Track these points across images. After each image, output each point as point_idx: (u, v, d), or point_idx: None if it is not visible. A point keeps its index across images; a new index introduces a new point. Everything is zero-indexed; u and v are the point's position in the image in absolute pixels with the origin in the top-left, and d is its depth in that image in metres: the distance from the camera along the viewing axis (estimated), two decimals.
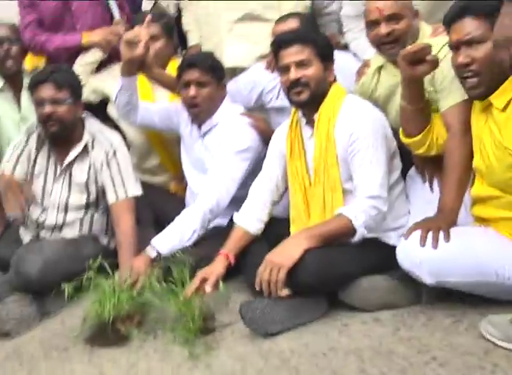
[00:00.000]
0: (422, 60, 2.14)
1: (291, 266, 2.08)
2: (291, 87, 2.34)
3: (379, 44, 2.39)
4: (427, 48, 2.14)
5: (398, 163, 2.39)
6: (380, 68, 2.52)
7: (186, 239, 2.51)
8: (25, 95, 3.16)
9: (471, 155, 2.16)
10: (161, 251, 2.47)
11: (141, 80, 3.04)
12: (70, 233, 2.73)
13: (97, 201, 2.76)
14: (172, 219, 2.58)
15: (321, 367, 1.91)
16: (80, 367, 2.13)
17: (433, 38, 2.37)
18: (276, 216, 2.58)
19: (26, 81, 3.12)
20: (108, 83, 3.16)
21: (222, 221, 2.72)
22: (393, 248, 2.18)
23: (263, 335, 2.12)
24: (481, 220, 2.11)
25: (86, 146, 2.72)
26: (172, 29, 3.21)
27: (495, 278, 1.97)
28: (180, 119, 2.93)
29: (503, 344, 1.86)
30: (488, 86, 1.99)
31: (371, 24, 2.39)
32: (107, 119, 3.19)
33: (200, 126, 2.81)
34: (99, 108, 3.23)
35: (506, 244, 2.00)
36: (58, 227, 2.72)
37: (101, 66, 3.29)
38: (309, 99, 2.33)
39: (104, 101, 3.28)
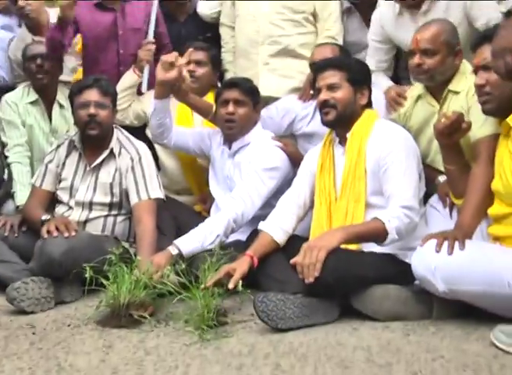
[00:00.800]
0: (457, 129, 2.33)
1: (330, 250, 2.15)
2: (321, 108, 2.52)
3: (412, 72, 2.57)
4: (459, 118, 2.34)
5: (423, 186, 2.49)
6: (418, 98, 2.69)
7: (208, 242, 2.58)
8: (56, 109, 3.38)
9: (492, 182, 2.26)
10: (183, 251, 2.54)
11: (181, 105, 3.23)
12: (94, 230, 2.81)
13: (121, 204, 2.87)
14: None
15: (329, 356, 1.93)
16: (90, 340, 2.16)
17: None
18: (297, 235, 2.65)
19: (59, 96, 3.37)
20: (148, 105, 3.35)
21: (242, 237, 2.79)
22: (409, 265, 2.24)
23: (273, 329, 2.14)
24: (497, 239, 2.17)
25: (112, 151, 2.87)
26: (218, 61, 3.43)
27: (507, 289, 1.99)
28: (212, 141, 3.09)
29: None
30: (505, 107, 2.14)
31: (410, 52, 2.62)
32: (145, 141, 3.36)
33: (231, 146, 2.95)
34: (138, 130, 3.40)
35: None
36: (82, 223, 2.82)
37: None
38: (336, 119, 2.49)
39: (145, 124, 3.46)
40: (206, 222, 2.69)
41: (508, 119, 2.14)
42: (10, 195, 3.14)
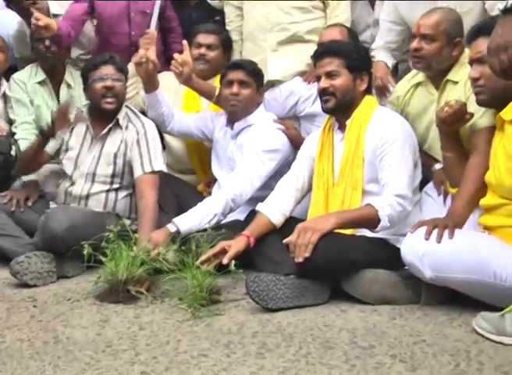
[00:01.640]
0: (459, 118, 2.36)
1: (324, 233, 2.21)
2: (321, 95, 2.56)
3: (411, 57, 2.61)
4: (462, 108, 2.37)
5: (419, 174, 2.53)
6: (417, 85, 2.71)
7: (206, 221, 2.65)
8: (64, 88, 3.45)
9: None
10: (181, 228, 2.61)
11: (188, 90, 3.28)
12: (96, 206, 2.89)
13: (122, 177, 2.93)
14: None
15: (315, 337, 1.99)
16: (88, 315, 2.24)
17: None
18: (294, 217, 2.71)
19: (67, 76, 3.43)
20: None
21: (240, 217, 2.85)
22: (400, 250, 2.29)
23: (264, 309, 2.21)
24: (487, 228, 2.21)
25: (118, 122, 2.93)
26: (229, 44, 3.45)
27: (492, 278, 2.04)
28: (215, 123, 3.14)
29: (492, 336, 1.92)
30: (499, 99, 2.17)
31: (412, 36, 2.64)
32: None
33: (233, 126, 3.00)
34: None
35: (506, 248, 2.08)
36: (84, 198, 2.89)
37: None
38: (335, 107, 2.52)
39: None
40: (205, 201, 2.76)
41: (501, 113, 2.16)
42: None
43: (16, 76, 3.44)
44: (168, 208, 3.03)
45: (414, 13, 2.92)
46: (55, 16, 3.64)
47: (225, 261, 2.36)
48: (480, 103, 2.28)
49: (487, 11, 2.87)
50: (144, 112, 3.23)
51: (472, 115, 2.38)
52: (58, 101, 3.43)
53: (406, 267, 2.30)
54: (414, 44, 2.59)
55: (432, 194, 2.64)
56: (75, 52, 3.68)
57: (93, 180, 2.91)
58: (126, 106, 3.04)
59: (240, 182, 2.77)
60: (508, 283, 2.04)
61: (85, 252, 2.42)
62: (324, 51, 2.57)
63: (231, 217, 2.83)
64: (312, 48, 3.17)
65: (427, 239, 2.12)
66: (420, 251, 2.12)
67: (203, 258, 2.36)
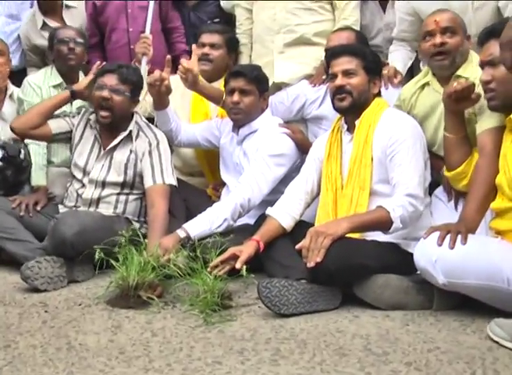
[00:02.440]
0: (466, 97, 2.35)
1: (336, 238, 2.21)
2: (336, 93, 2.54)
3: (431, 54, 2.59)
4: (470, 87, 2.37)
5: (428, 175, 2.51)
6: (424, 85, 2.70)
7: (216, 226, 2.65)
8: None
9: (496, 176, 2.28)
10: (191, 234, 2.61)
11: (196, 98, 3.28)
12: (106, 210, 2.89)
13: (133, 184, 2.93)
14: None
15: (328, 343, 1.99)
16: (100, 320, 2.24)
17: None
18: (304, 220, 2.70)
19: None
20: None
21: (250, 221, 2.85)
22: (411, 255, 2.28)
23: (276, 314, 2.21)
24: (499, 233, 2.20)
25: (130, 134, 2.93)
26: (234, 44, 3.45)
27: (506, 284, 2.04)
28: (222, 129, 3.14)
29: (507, 343, 1.91)
30: (510, 104, 2.16)
31: (427, 35, 2.62)
32: None
33: (238, 131, 2.99)
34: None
35: None
36: (95, 202, 2.90)
37: None
38: (350, 106, 2.51)
39: None
40: (214, 206, 2.75)
41: None
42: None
43: (30, 79, 3.43)
44: (177, 213, 3.03)
45: (426, 5, 2.92)
46: (68, 7, 3.73)
47: (238, 265, 2.35)
48: (492, 108, 2.27)
49: (500, 10, 2.85)
50: (150, 119, 3.22)
51: (479, 95, 2.37)
52: (71, 105, 3.42)
53: (417, 272, 2.29)
54: (438, 39, 2.56)
55: (443, 198, 2.64)
56: None
57: (103, 187, 2.92)
58: (137, 113, 3.02)
59: (248, 187, 2.77)
60: None
61: (96, 257, 2.43)
62: (343, 50, 2.58)
63: (241, 221, 2.82)
64: (319, 51, 3.20)
65: (440, 245, 2.12)
66: (433, 256, 2.12)
67: (213, 263, 2.36)
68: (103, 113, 2.88)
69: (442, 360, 1.84)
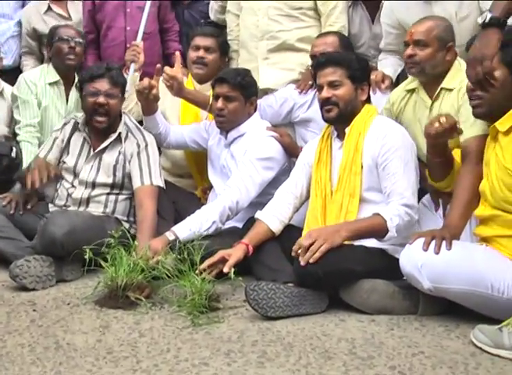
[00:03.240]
0: (449, 132, 2.37)
1: (333, 246, 2.25)
2: (323, 105, 2.57)
3: (405, 64, 2.70)
4: (453, 126, 2.34)
5: (417, 182, 2.52)
6: (412, 91, 2.74)
7: (204, 228, 2.66)
8: (74, 91, 3.45)
9: (480, 183, 2.31)
10: (180, 236, 2.62)
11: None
12: (96, 209, 2.90)
13: (122, 185, 2.96)
14: None
15: (314, 346, 2.02)
16: (88, 320, 2.25)
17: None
18: (292, 224, 2.73)
19: (77, 79, 3.39)
20: None
21: (238, 224, 2.86)
22: (398, 261, 2.31)
23: (263, 317, 2.23)
24: (483, 240, 2.24)
25: (119, 136, 2.95)
26: (227, 48, 3.47)
27: (490, 290, 2.07)
28: (210, 131, 3.15)
29: (490, 349, 1.95)
30: (495, 111, 2.20)
31: (405, 44, 2.69)
32: None
33: (227, 135, 3.01)
34: None
35: (504, 261, 2.12)
36: (85, 201, 2.91)
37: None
38: (337, 116, 2.54)
39: None
40: (202, 209, 2.76)
41: (496, 124, 2.19)
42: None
43: (26, 76, 3.43)
44: (166, 215, 3.05)
45: (410, 17, 2.94)
46: None
47: (226, 270, 2.37)
48: (477, 115, 2.30)
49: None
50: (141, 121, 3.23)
51: (461, 131, 2.39)
52: (67, 103, 3.44)
53: (404, 278, 2.32)
54: (408, 51, 2.64)
55: (430, 206, 2.67)
56: None
57: (93, 187, 2.94)
58: (125, 113, 3.04)
59: (236, 190, 2.78)
60: (505, 295, 2.07)
61: (86, 257, 2.43)
62: (326, 60, 2.59)
63: (229, 224, 2.84)
64: (304, 56, 3.24)
65: (425, 250, 2.15)
66: (418, 262, 2.15)
67: (202, 266, 2.37)
68: (99, 119, 2.90)
69: (425, 365, 1.88)
